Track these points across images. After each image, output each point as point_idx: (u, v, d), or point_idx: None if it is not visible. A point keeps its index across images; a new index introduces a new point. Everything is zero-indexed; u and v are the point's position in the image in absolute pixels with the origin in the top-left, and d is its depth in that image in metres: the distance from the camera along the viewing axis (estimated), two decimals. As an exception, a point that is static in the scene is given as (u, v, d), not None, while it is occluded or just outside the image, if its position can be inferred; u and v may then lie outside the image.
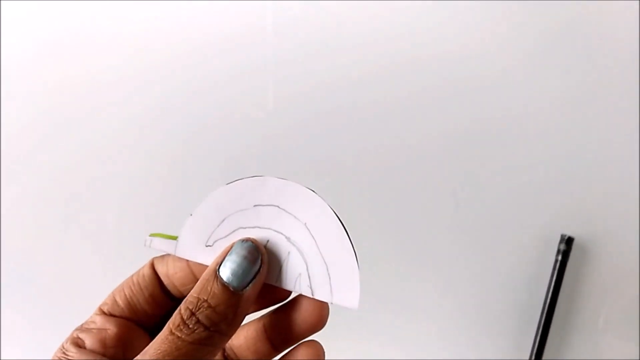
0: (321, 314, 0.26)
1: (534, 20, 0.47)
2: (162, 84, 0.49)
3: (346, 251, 0.26)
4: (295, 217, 0.25)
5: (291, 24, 0.48)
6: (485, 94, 0.47)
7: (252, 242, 0.24)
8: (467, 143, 0.47)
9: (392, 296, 0.48)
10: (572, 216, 0.46)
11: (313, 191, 0.26)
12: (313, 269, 0.25)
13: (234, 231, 0.25)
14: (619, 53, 0.46)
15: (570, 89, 0.47)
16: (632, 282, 0.46)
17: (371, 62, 0.48)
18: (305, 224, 0.25)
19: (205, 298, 0.22)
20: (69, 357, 0.24)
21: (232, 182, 0.25)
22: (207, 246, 0.25)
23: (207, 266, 0.24)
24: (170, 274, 0.26)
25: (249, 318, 0.26)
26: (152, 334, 0.25)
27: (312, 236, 0.25)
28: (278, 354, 0.26)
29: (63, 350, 0.24)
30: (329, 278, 0.25)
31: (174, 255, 0.26)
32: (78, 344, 0.24)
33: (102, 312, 0.26)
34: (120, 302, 0.26)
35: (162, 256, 0.27)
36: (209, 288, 0.23)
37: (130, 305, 0.26)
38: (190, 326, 0.22)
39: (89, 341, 0.24)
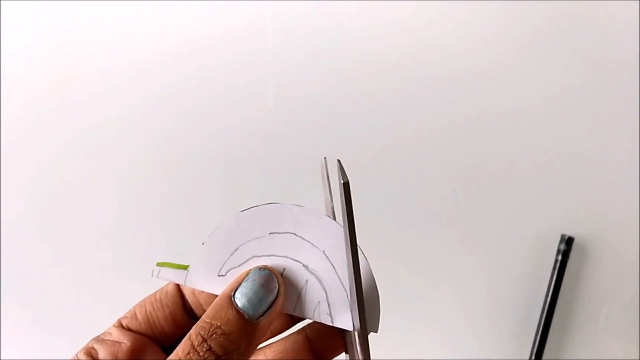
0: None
1: (535, 20, 0.47)
2: (162, 84, 0.49)
3: (366, 278, 0.26)
4: (313, 244, 0.25)
5: (291, 23, 0.48)
6: (485, 93, 0.47)
7: (269, 270, 0.24)
8: (467, 143, 0.47)
9: (391, 296, 0.48)
10: (572, 216, 0.46)
11: (330, 218, 0.25)
12: (333, 296, 0.25)
13: (248, 260, 0.25)
14: (619, 53, 0.46)
15: (570, 88, 0.47)
16: (632, 282, 0.46)
17: (371, 60, 0.48)
18: (323, 251, 0.25)
19: (219, 324, 0.22)
20: None
21: (246, 210, 0.25)
22: (219, 276, 0.25)
23: None
24: (197, 292, 0.26)
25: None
26: (169, 353, 0.25)
27: (332, 264, 0.25)
28: None
29: (76, 359, 0.24)
30: (350, 305, 0.25)
31: None
32: (91, 354, 0.24)
33: (120, 325, 0.26)
34: (140, 317, 0.26)
35: None
36: (222, 314, 0.22)
37: (149, 321, 0.25)
38: (201, 353, 0.21)
39: (102, 352, 0.24)
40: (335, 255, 0.25)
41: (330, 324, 0.24)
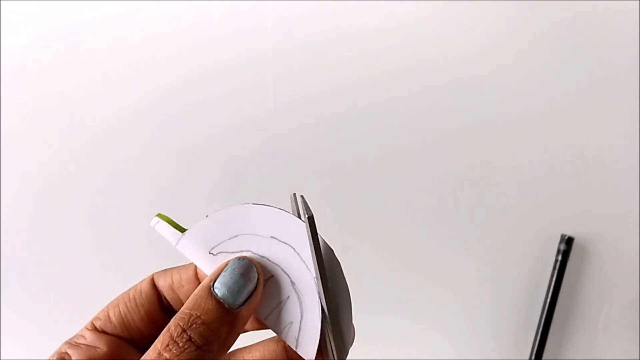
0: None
1: (534, 21, 0.47)
2: (162, 83, 0.49)
3: (347, 318, 0.25)
4: (307, 266, 0.24)
5: (291, 23, 0.48)
6: (485, 93, 0.47)
7: (249, 259, 0.23)
8: (468, 143, 0.47)
9: (391, 296, 0.48)
10: (572, 216, 0.46)
11: (332, 250, 0.24)
12: (307, 323, 0.24)
13: (241, 251, 0.24)
14: (619, 53, 0.46)
15: (570, 89, 0.47)
16: (632, 282, 0.46)
17: (371, 61, 0.48)
18: (314, 277, 0.24)
19: (199, 314, 0.21)
20: None
21: (259, 205, 0.24)
22: (210, 253, 0.24)
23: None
24: (176, 287, 0.25)
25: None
26: (143, 351, 0.24)
27: (318, 291, 0.24)
28: None
29: None
30: (319, 339, 0.24)
31: (179, 268, 0.25)
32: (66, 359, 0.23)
33: (94, 328, 0.24)
34: (114, 318, 0.24)
35: (165, 270, 0.26)
36: (202, 304, 0.21)
37: (124, 323, 0.24)
38: (181, 344, 0.21)
39: (76, 358, 0.23)
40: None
41: (294, 348, 0.24)
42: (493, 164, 0.47)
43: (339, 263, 0.24)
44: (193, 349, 0.21)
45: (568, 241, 0.45)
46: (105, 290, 0.50)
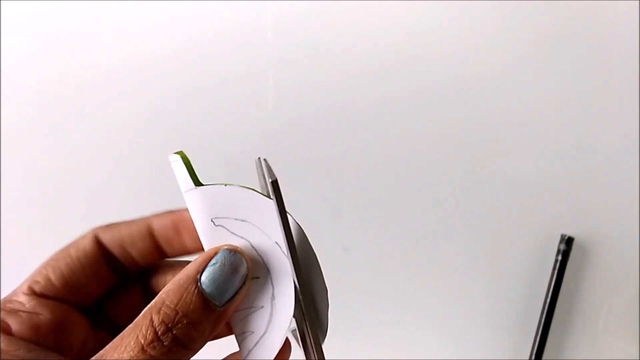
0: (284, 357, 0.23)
1: (533, 20, 0.47)
2: (161, 84, 0.49)
3: (322, 304, 0.23)
4: (296, 284, 0.22)
5: (291, 23, 0.48)
6: (485, 93, 0.47)
7: (240, 253, 0.21)
8: (468, 143, 0.47)
9: (391, 296, 0.48)
10: (572, 216, 0.46)
11: (325, 284, 0.23)
12: (266, 342, 0.22)
13: (241, 237, 0.22)
14: (619, 53, 0.46)
15: (570, 88, 0.47)
16: (632, 282, 0.46)
17: (371, 61, 0.48)
18: (300, 300, 0.22)
19: (185, 312, 0.20)
20: None
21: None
22: (212, 220, 0.22)
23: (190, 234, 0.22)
24: (127, 244, 0.23)
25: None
26: (88, 313, 0.22)
27: (294, 314, 0.22)
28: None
29: None
30: None
31: (126, 224, 0.23)
32: (6, 330, 0.20)
33: (33, 292, 0.22)
34: (56, 281, 0.22)
35: (109, 225, 0.24)
36: (188, 300, 0.20)
37: (67, 285, 0.22)
38: (166, 344, 0.19)
39: (17, 327, 0.21)
40: (305, 310, 0.22)
41: (241, 357, 0.22)
42: (493, 164, 0.47)
43: (313, 250, 0.23)
44: (179, 349, 0.19)
45: (568, 241, 0.45)
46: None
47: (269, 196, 0.23)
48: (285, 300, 0.22)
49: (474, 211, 0.47)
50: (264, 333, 0.22)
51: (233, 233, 0.22)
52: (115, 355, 0.19)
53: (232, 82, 0.49)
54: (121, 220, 0.24)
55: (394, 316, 0.48)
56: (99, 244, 0.23)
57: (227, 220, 0.23)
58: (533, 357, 0.45)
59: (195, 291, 0.20)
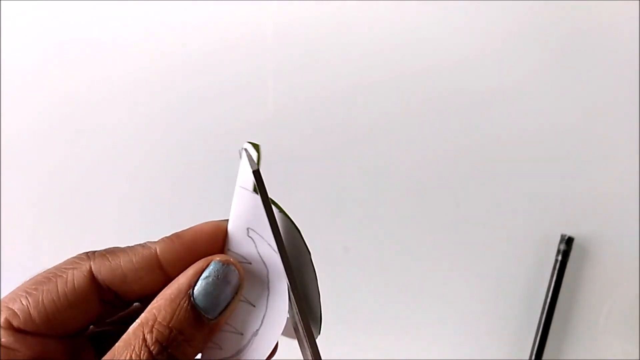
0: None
1: (533, 21, 0.47)
2: (162, 84, 0.49)
3: (314, 297, 0.22)
4: (289, 292, 0.22)
5: (291, 24, 0.48)
6: (484, 93, 0.47)
7: (232, 264, 0.20)
8: (467, 142, 0.47)
9: (391, 296, 0.48)
10: (572, 216, 0.46)
11: (315, 273, 0.22)
12: (251, 347, 0.21)
13: (263, 261, 0.21)
14: (619, 53, 0.46)
15: (569, 88, 0.47)
16: (632, 282, 0.46)
17: (371, 62, 0.48)
18: (290, 294, 0.22)
19: (180, 329, 0.19)
20: None
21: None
22: (246, 228, 0.21)
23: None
24: (130, 279, 0.21)
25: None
26: (69, 341, 0.21)
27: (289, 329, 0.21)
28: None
29: None
30: None
31: (126, 254, 0.21)
32: None
33: (10, 326, 0.20)
34: (37, 317, 0.20)
35: (105, 255, 0.21)
36: (182, 316, 0.19)
37: (49, 321, 0.20)
38: None
39: None
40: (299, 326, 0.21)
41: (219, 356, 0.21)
42: (493, 164, 0.47)
43: (302, 241, 0.22)
44: None
45: (568, 241, 0.45)
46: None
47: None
48: (279, 299, 0.21)
49: (474, 211, 0.47)
50: (247, 344, 0.21)
51: (259, 253, 0.22)
52: None
53: (232, 82, 0.49)
54: (118, 248, 0.22)
55: (394, 316, 0.48)
56: (93, 280, 0.21)
57: (259, 238, 0.22)
58: (533, 357, 0.45)
59: (188, 307, 0.19)
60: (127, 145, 0.50)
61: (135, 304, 0.23)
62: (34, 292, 0.20)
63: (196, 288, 0.19)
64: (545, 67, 0.47)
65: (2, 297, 0.21)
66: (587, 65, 0.46)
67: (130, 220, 0.50)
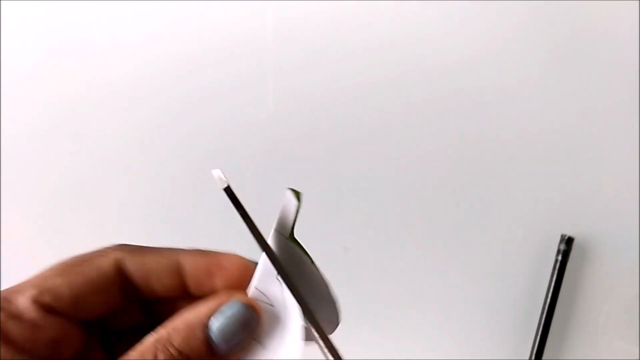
0: None
1: (534, 22, 0.47)
2: (162, 83, 0.49)
3: (327, 296, 0.23)
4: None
5: (291, 24, 0.48)
6: (484, 93, 0.47)
7: (253, 308, 0.21)
8: (468, 143, 0.47)
9: (391, 296, 0.48)
10: (572, 216, 0.46)
11: (324, 278, 0.22)
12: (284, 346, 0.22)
13: (283, 304, 0.22)
14: (619, 53, 0.46)
15: (569, 88, 0.47)
16: (632, 282, 0.46)
17: (371, 62, 0.48)
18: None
19: (188, 355, 0.20)
20: None
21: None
22: (275, 276, 0.22)
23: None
24: (152, 277, 0.22)
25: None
26: (88, 327, 0.22)
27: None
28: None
29: None
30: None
31: (155, 254, 0.22)
32: (6, 337, 0.19)
33: (39, 303, 0.21)
34: (65, 298, 0.21)
35: (134, 250, 0.22)
36: (195, 346, 0.20)
37: (76, 304, 0.21)
38: None
39: (17, 335, 0.20)
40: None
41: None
42: (493, 164, 0.47)
43: (302, 250, 0.22)
44: None
45: (568, 241, 0.45)
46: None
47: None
48: (292, 348, 0.22)
49: (474, 211, 0.47)
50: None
51: (283, 296, 0.22)
52: None
53: (232, 82, 0.49)
54: (148, 247, 0.23)
55: (394, 316, 0.48)
56: (120, 270, 0.22)
57: (280, 284, 0.22)
58: (533, 357, 0.45)
59: (203, 338, 0.20)
60: (126, 145, 0.50)
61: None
62: (64, 274, 0.21)
63: (213, 322, 0.20)
64: (546, 67, 0.47)
65: (33, 275, 0.22)
66: (587, 66, 0.46)
67: (131, 220, 0.50)
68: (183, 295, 0.23)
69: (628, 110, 0.46)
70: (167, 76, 0.49)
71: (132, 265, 0.22)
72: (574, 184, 0.46)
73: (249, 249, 0.23)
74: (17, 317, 0.20)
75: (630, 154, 0.46)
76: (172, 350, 0.20)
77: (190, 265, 0.22)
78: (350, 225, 0.48)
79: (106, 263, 0.22)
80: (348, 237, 0.48)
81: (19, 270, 0.50)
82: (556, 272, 0.45)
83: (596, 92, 0.46)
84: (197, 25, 0.49)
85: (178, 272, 0.22)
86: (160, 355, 0.20)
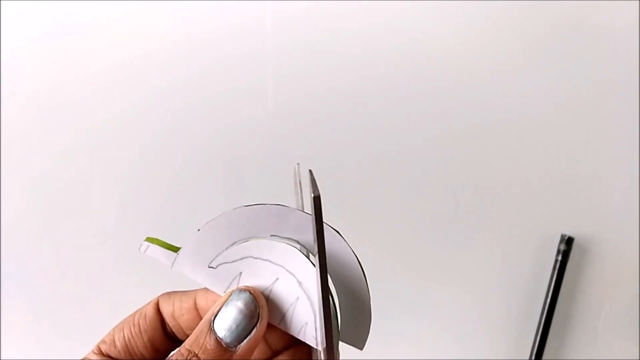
0: None
1: (534, 21, 0.47)
2: (162, 83, 0.49)
3: (363, 307, 0.24)
4: (311, 260, 0.23)
5: (291, 23, 0.48)
6: (485, 93, 0.47)
7: (251, 292, 0.22)
8: (468, 143, 0.47)
9: (390, 297, 0.48)
10: (572, 216, 0.46)
11: (338, 233, 0.23)
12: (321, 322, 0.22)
13: (242, 258, 0.23)
14: (619, 53, 0.46)
15: (570, 88, 0.47)
16: (632, 282, 0.46)
17: (371, 61, 0.48)
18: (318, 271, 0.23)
19: (197, 352, 0.21)
20: None
21: (252, 205, 0.23)
22: (209, 267, 0.23)
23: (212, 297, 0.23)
24: (177, 316, 0.24)
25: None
26: None
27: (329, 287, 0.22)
28: (274, 356, 0.25)
29: None
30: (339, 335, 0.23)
31: (182, 295, 0.24)
32: None
33: (100, 352, 0.24)
34: (118, 343, 0.24)
35: (169, 294, 0.25)
36: (201, 341, 0.22)
37: (127, 348, 0.24)
38: None
39: None
40: (335, 277, 0.23)
41: (315, 347, 0.23)
42: (493, 165, 0.47)
43: (351, 248, 0.24)
44: None
45: (568, 241, 0.45)
46: (105, 290, 0.50)
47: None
48: (310, 277, 0.23)
49: (474, 211, 0.47)
50: (315, 317, 0.23)
51: (234, 261, 0.23)
52: None
53: (232, 81, 0.49)
54: (180, 291, 0.25)
55: (394, 317, 0.48)
56: (158, 311, 0.25)
57: (221, 256, 0.23)
58: (533, 357, 0.45)
59: (208, 332, 0.22)
60: (126, 145, 0.50)
61: None
62: (120, 324, 0.25)
63: (217, 318, 0.22)
64: (546, 67, 0.47)
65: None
66: (587, 66, 0.46)
67: (131, 220, 0.50)
68: None
69: (628, 110, 0.46)
70: (167, 76, 0.49)
71: (164, 306, 0.25)
72: (574, 184, 0.46)
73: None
74: None
75: (630, 154, 0.46)
76: (182, 350, 0.22)
77: (202, 302, 0.24)
78: (350, 225, 0.48)
79: (149, 308, 0.25)
80: (348, 237, 0.48)
81: (19, 270, 0.51)
82: (556, 272, 0.45)
83: (596, 92, 0.46)
84: (197, 26, 0.49)
85: (194, 309, 0.24)
86: (174, 356, 0.21)
